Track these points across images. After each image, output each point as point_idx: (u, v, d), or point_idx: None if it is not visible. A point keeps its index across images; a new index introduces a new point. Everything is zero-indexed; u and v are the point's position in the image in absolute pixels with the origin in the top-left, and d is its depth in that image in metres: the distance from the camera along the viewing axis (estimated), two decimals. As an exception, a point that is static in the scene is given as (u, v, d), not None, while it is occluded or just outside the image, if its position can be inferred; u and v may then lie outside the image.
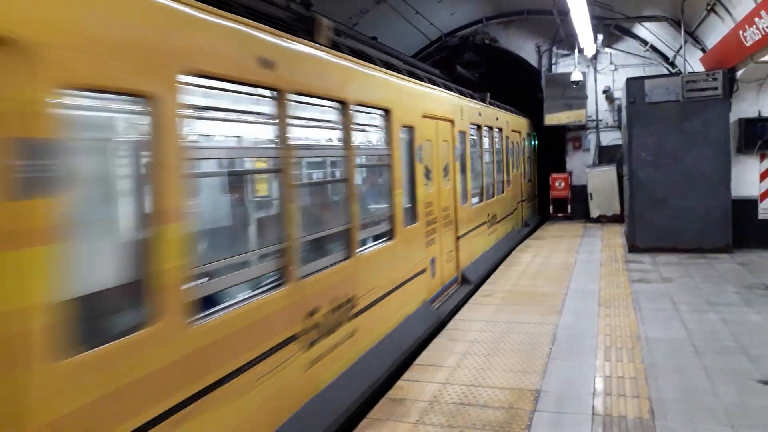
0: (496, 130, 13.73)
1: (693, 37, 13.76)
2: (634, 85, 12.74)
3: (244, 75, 4.17)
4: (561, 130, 19.21)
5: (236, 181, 5.07)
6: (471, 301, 9.00)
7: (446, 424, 4.90)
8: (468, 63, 18.82)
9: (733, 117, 12.25)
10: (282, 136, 4.64)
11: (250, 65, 4.22)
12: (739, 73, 11.84)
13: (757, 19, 8.83)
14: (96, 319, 3.06)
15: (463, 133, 10.46)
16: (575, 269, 11.01)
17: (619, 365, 6.07)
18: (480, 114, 12.01)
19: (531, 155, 19.59)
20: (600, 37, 16.66)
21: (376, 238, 6.71)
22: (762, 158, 12.27)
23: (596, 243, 14.12)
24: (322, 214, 5.86)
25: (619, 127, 17.84)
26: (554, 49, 18.98)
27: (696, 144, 12.13)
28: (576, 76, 17.41)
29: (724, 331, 7.07)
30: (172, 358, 3.32)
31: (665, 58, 17.06)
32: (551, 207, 19.44)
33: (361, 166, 6.61)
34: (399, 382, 5.87)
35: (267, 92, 4.53)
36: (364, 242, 6.26)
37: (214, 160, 4.36)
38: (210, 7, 3.86)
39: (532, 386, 5.61)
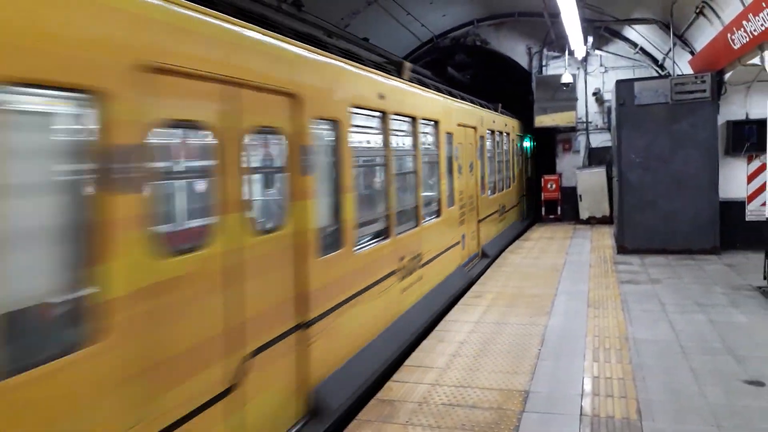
0: (505, 134, 16.16)
1: (682, 39, 13.86)
2: (623, 87, 12.82)
3: (372, 105, 6.81)
4: (551, 132, 19.30)
5: (367, 170, 7.45)
6: (460, 302, 9.01)
7: (435, 425, 4.90)
8: (459, 64, 18.87)
9: (721, 119, 12.36)
10: (386, 141, 7.22)
11: (374, 98, 6.87)
12: (727, 76, 11.93)
13: (745, 22, 8.91)
14: (323, 240, 5.41)
15: (482, 137, 12.95)
16: (564, 270, 11.05)
17: (608, 366, 6.10)
18: (494, 121, 14.49)
19: (530, 155, 21.01)
20: (590, 39, 16.76)
21: (430, 214, 9.13)
22: (749, 160, 12.37)
23: (585, 244, 14.19)
24: (403, 195, 8.12)
25: (608, 129, 17.94)
26: (545, 51, 19.06)
27: (684, 146, 12.22)
28: (566, 78, 17.51)
29: (711, 332, 7.12)
30: (348, 270, 5.93)
31: (654, 60, 17.18)
32: (543, 209, 19.47)
33: (423, 162, 8.81)
34: (388, 383, 5.87)
35: (379, 114, 7.11)
36: (424, 216, 8.69)
37: (360, 157, 6.81)
38: (360, 64, 6.60)
39: (520, 387, 5.63)
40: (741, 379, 5.65)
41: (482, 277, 10.75)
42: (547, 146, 20.13)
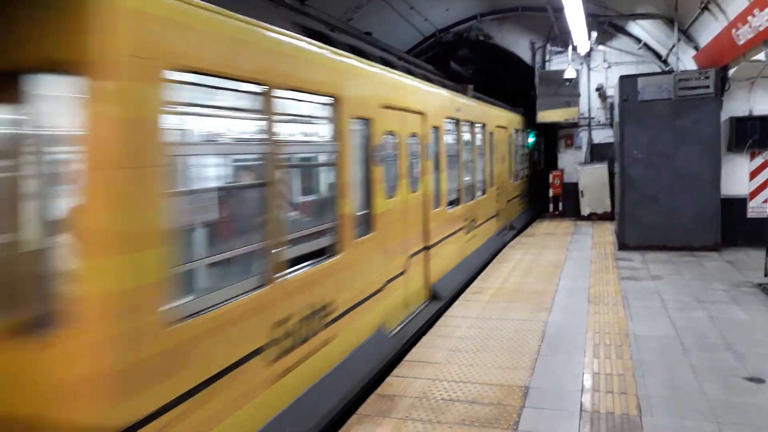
0: (526, 131, 19.40)
1: (686, 35, 13.79)
2: (627, 82, 12.77)
3: (453, 115, 10.17)
4: (554, 127, 19.26)
5: (449, 159, 10.05)
6: (461, 297, 9.02)
7: (435, 420, 4.91)
8: (462, 59, 18.81)
9: (724, 115, 12.31)
10: (458, 139, 10.67)
11: (454, 111, 10.26)
12: (731, 72, 11.89)
13: (750, 18, 8.85)
14: (432, 200, 8.82)
15: (510, 135, 16.49)
16: (565, 266, 11.05)
17: (608, 362, 6.11)
18: (518, 122, 17.85)
19: (542, 149, 23.72)
20: (594, 34, 16.68)
21: (480, 191, 12.61)
22: (752, 157, 12.33)
23: (587, 240, 14.18)
24: (466, 177, 11.40)
25: (611, 125, 17.90)
26: (548, 47, 18.97)
27: (687, 142, 12.19)
28: (569, 74, 17.44)
29: (711, 328, 7.12)
30: (443, 220, 9.39)
31: (658, 56, 17.10)
32: (551, 204, 19.36)
33: (476, 154, 12.23)
34: (389, 378, 5.88)
35: (454, 121, 10.36)
36: (476, 192, 12.23)
37: (457, 150, 10.57)
38: (447, 89, 10.21)
39: (521, 382, 5.64)
40: (741, 376, 5.65)
41: (482, 273, 10.76)
42: (550, 142, 20.04)
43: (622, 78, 13.04)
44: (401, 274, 7.38)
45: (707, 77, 12.09)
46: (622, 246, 12.72)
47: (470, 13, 19.12)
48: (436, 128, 9.05)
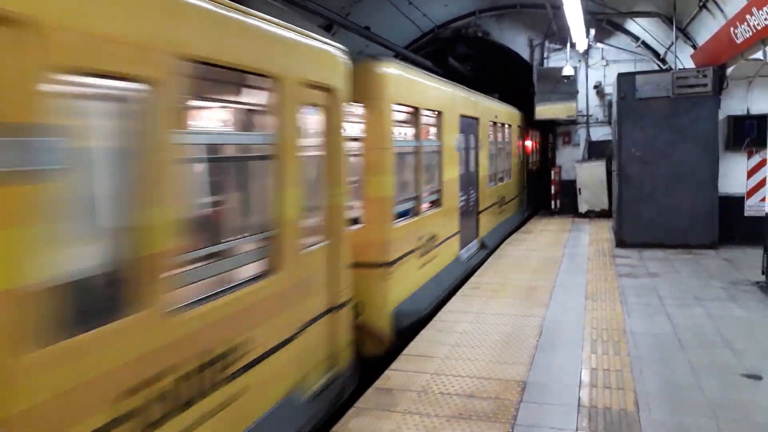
0: (525, 127, 19.86)
1: (684, 33, 13.80)
2: (625, 80, 12.78)
3: (493, 118, 14.16)
4: (551, 124, 19.25)
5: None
6: (459, 293, 9.02)
7: (433, 414, 4.90)
8: (460, 56, 18.77)
9: (722, 114, 12.32)
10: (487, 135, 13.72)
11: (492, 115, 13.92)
12: (729, 70, 11.90)
13: (748, 17, 8.86)
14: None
15: (512, 131, 17.22)
16: (563, 263, 11.06)
17: (605, 358, 6.11)
18: (518, 119, 18.18)
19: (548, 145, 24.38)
20: (592, 32, 16.68)
21: (507, 177, 16.19)
22: (749, 155, 12.36)
23: (584, 237, 14.20)
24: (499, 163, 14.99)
25: (609, 123, 17.91)
26: (546, 44, 18.98)
27: (685, 140, 12.20)
28: (567, 71, 17.44)
29: (709, 325, 7.13)
30: (486, 195, 13.08)
31: (656, 54, 17.11)
32: (552, 201, 19.28)
33: (501, 149, 15.23)
34: (387, 372, 5.87)
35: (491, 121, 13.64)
36: (505, 177, 15.89)
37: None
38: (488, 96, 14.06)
39: (518, 377, 5.64)
40: (738, 373, 5.66)
41: (480, 269, 10.76)
42: (547, 138, 20.06)
43: (620, 75, 13.05)
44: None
45: (705, 76, 12.10)
46: (620, 243, 12.74)
47: (469, 9, 19.07)
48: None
